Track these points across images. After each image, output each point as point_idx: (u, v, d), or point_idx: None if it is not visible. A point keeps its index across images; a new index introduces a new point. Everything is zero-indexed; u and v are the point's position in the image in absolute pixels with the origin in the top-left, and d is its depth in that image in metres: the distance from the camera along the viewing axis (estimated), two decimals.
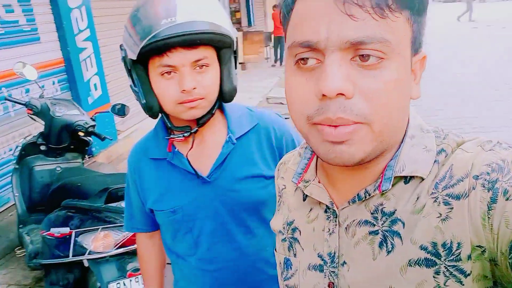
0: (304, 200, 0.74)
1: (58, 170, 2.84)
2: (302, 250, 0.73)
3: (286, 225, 0.78)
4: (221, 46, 1.03)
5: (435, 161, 0.60)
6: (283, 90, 0.66)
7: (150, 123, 1.15)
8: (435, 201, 0.57)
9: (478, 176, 0.54)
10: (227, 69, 1.06)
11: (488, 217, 0.51)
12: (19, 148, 2.79)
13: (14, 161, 2.85)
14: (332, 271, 0.67)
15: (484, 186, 0.53)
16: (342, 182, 0.67)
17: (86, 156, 3.35)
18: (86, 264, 2.19)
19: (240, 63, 11.06)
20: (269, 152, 1.17)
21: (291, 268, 0.75)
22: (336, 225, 0.67)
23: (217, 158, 1.10)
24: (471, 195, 0.53)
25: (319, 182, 0.70)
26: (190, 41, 0.93)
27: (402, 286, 0.58)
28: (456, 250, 0.54)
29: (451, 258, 0.54)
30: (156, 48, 0.93)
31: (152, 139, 1.17)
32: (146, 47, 0.93)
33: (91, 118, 2.81)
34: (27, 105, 2.70)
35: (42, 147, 2.80)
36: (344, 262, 0.66)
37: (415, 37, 0.57)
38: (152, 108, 1.03)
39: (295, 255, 0.75)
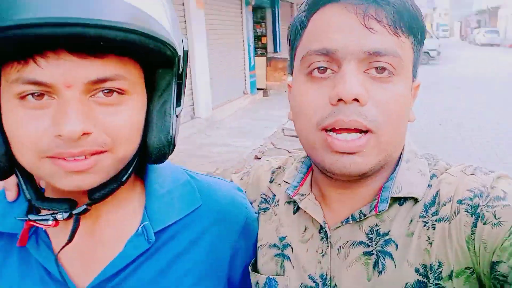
0: (294, 213, 0.75)
1: None
2: (293, 268, 0.72)
3: (278, 240, 0.75)
4: (153, 61, 0.57)
5: (428, 185, 0.63)
6: None
7: None
8: (425, 225, 0.60)
9: (461, 201, 0.58)
10: (162, 105, 0.60)
11: (472, 240, 0.55)
12: None
13: None
14: None
15: (467, 211, 0.57)
16: (336, 202, 0.68)
17: None
18: None
19: (262, 89, 10.68)
20: (215, 258, 0.69)
21: (276, 287, 0.72)
22: (328, 246, 0.67)
23: (110, 263, 0.62)
24: (456, 219, 0.57)
25: (315, 199, 0.71)
26: (89, 41, 0.47)
27: None
28: (438, 269, 0.58)
29: (436, 276, 0.58)
30: (13, 45, 0.47)
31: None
32: None
33: None
34: None
35: None
36: (335, 285, 0.65)
37: (415, 63, 0.63)
38: None
39: (283, 273, 0.73)
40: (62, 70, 0.49)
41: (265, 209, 0.81)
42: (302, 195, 0.72)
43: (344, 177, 0.61)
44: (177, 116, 0.63)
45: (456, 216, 0.57)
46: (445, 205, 0.60)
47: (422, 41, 0.63)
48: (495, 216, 0.54)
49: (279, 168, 0.85)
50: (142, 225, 0.64)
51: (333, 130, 0.59)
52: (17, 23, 0.44)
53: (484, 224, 0.54)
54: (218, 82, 8.50)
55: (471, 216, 0.56)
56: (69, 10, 0.45)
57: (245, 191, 0.89)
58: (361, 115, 0.57)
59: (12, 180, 0.64)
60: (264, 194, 0.83)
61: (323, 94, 0.59)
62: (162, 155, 0.61)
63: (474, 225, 0.55)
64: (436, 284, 0.58)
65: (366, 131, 0.58)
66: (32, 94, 0.50)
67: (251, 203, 0.84)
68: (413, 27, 0.60)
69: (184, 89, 0.65)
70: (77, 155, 0.51)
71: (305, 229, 0.72)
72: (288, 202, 0.76)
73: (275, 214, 0.79)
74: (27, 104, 0.51)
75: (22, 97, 0.50)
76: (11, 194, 0.64)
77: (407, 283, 0.59)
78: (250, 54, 10.41)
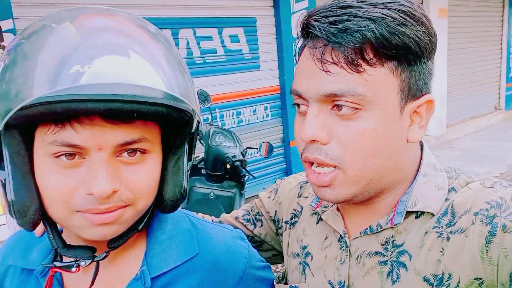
0: (317, 223, 0.78)
1: (211, 196, 2.91)
2: (312, 275, 0.75)
3: (301, 249, 0.79)
4: (171, 123, 0.62)
5: (446, 199, 0.63)
6: None
7: None
8: (440, 236, 0.61)
9: (477, 213, 0.58)
10: (176, 162, 0.65)
11: (487, 250, 0.54)
12: None
13: None
14: None
15: (482, 221, 0.56)
16: (355, 215, 0.71)
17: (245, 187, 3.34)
18: None
19: None
20: None
21: None
22: (347, 255, 0.70)
23: None
24: (470, 230, 0.57)
25: (337, 210, 0.74)
26: (121, 112, 0.52)
27: None
28: (447, 281, 0.58)
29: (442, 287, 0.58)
30: (52, 114, 0.51)
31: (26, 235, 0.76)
32: (30, 110, 0.50)
33: (241, 153, 2.75)
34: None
35: (203, 171, 2.93)
36: None
37: (407, 85, 0.60)
38: (27, 213, 0.57)
39: (305, 279, 0.76)
40: (95, 135, 0.53)
41: (294, 223, 0.85)
42: (325, 207, 0.76)
43: (334, 203, 0.68)
44: (188, 170, 0.68)
45: (471, 227, 0.57)
46: (461, 217, 0.60)
47: (413, 59, 0.59)
48: None
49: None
50: (140, 269, 0.67)
51: None
52: (65, 99, 0.49)
53: (505, 232, 0.53)
54: (458, 96, 7.58)
55: (486, 226, 0.56)
56: (101, 88, 0.50)
57: (275, 211, 0.93)
58: (322, 154, 0.61)
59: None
60: (294, 209, 0.87)
61: (300, 130, 0.64)
62: (175, 207, 0.67)
63: (492, 235, 0.55)
64: None
65: (334, 166, 0.62)
66: (65, 154, 0.54)
67: (280, 221, 0.90)
68: (386, 54, 0.57)
69: (193, 148, 0.69)
70: (105, 212, 0.57)
71: (326, 238, 0.75)
72: (313, 214, 0.81)
73: (300, 224, 0.83)
74: (60, 163, 0.55)
75: (57, 156, 0.54)
76: (39, 231, 0.71)
77: None
78: (510, 63, 8.76)
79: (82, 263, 0.61)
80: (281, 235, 0.91)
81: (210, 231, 0.76)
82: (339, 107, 0.59)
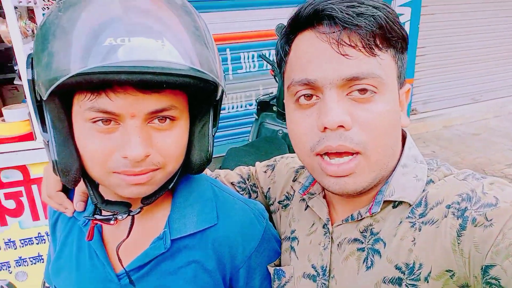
0: (305, 210, 0.81)
1: (280, 133, 2.93)
2: (297, 258, 0.78)
3: (290, 233, 0.82)
4: (197, 92, 0.65)
5: (423, 190, 0.64)
6: None
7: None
8: (412, 226, 0.62)
9: (450, 205, 0.59)
10: (202, 128, 0.70)
11: (458, 243, 0.55)
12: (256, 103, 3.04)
13: (255, 113, 3.13)
14: (323, 283, 0.71)
15: (454, 214, 0.57)
16: (340, 205, 0.73)
17: None
18: None
19: None
20: (221, 275, 0.76)
21: (284, 276, 0.78)
22: (329, 241, 0.72)
23: (136, 258, 0.73)
24: (443, 223, 0.58)
25: (323, 197, 0.77)
26: (152, 83, 0.55)
27: None
28: (417, 270, 0.59)
29: (412, 277, 0.59)
30: (94, 84, 0.54)
31: None
32: (69, 80, 0.53)
33: None
34: (272, 65, 2.84)
35: (274, 108, 2.93)
36: (333, 276, 0.70)
37: (400, 72, 0.63)
38: (69, 172, 0.62)
39: (290, 262, 0.79)
40: (128, 103, 0.57)
41: (286, 206, 0.88)
42: (312, 194, 0.79)
43: (344, 195, 0.65)
44: (213, 135, 0.72)
45: (443, 220, 0.59)
46: (432, 209, 0.61)
47: (404, 48, 0.64)
48: (486, 218, 0.54)
49: (303, 168, 0.89)
50: (163, 231, 0.73)
51: (326, 153, 0.63)
52: (101, 70, 0.52)
53: (476, 226, 0.54)
54: None
55: (458, 219, 0.57)
56: (140, 58, 0.53)
57: (269, 188, 0.94)
58: (347, 140, 0.59)
59: (79, 190, 0.79)
60: (287, 192, 0.89)
61: (312, 121, 0.62)
62: (202, 169, 0.72)
63: (463, 228, 0.56)
64: (411, 284, 0.60)
65: (355, 153, 0.61)
66: (102, 119, 0.58)
67: (272, 199, 0.93)
68: (391, 40, 0.60)
69: (218, 114, 0.73)
70: (139, 174, 0.61)
71: (312, 224, 0.78)
72: (302, 200, 0.83)
73: (291, 208, 0.85)
74: (97, 128, 0.59)
75: (94, 121, 0.58)
76: (81, 205, 0.79)
77: (384, 277, 0.62)
78: None
79: (119, 217, 0.67)
80: (274, 213, 0.92)
81: (230, 206, 0.79)
82: (360, 91, 0.59)
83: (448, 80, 5.53)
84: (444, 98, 5.57)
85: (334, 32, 0.59)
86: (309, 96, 0.62)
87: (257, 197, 0.99)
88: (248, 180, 1.00)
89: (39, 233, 1.83)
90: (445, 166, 0.68)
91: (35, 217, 1.80)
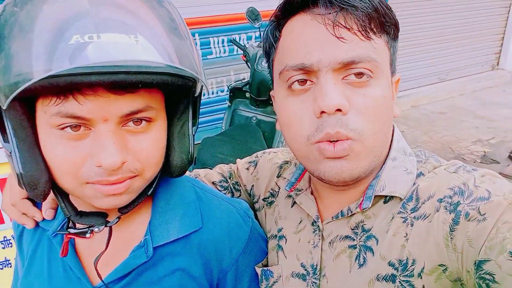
0: (291, 206, 0.78)
1: (254, 120, 2.89)
2: (285, 257, 0.76)
3: (277, 231, 0.80)
4: (175, 90, 0.60)
5: (414, 184, 0.63)
6: None
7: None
8: (404, 221, 0.61)
9: (442, 199, 0.58)
10: (181, 127, 0.65)
11: (451, 238, 0.55)
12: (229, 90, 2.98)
13: (227, 100, 3.07)
14: (314, 282, 0.69)
15: (446, 209, 0.57)
16: (330, 200, 0.71)
17: None
18: None
19: None
20: (209, 279, 0.72)
21: (272, 276, 0.76)
22: (319, 239, 0.70)
23: (115, 269, 0.68)
24: (435, 218, 0.57)
25: (311, 194, 0.75)
26: (126, 83, 0.50)
27: None
28: (411, 266, 0.58)
29: (405, 273, 0.59)
30: (60, 87, 0.49)
31: None
32: (33, 86, 0.47)
33: None
34: (244, 50, 2.76)
35: (247, 94, 2.87)
36: (324, 275, 0.69)
37: (392, 59, 0.62)
38: (37, 185, 0.56)
39: (277, 262, 0.77)
40: (99, 106, 0.51)
41: (271, 203, 0.85)
42: (299, 191, 0.77)
43: (339, 183, 0.63)
44: (193, 134, 0.67)
45: (435, 214, 0.58)
46: (424, 203, 0.60)
47: (396, 36, 0.63)
48: (479, 212, 0.53)
49: (287, 163, 0.87)
50: (144, 238, 0.68)
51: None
52: (70, 72, 0.46)
53: (469, 221, 0.54)
54: None
55: (450, 213, 0.56)
56: (112, 57, 0.47)
57: (252, 185, 0.92)
58: (342, 126, 0.58)
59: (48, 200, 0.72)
60: (272, 189, 0.87)
61: (306, 107, 0.60)
62: (183, 171, 0.67)
63: (456, 222, 0.55)
64: (404, 281, 0.59)
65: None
66: (70, 125, 0.53)
67: (256, 197, 0.90)
68: (384, 26, 0.60)
69: (197, 111, 0.68)
70: (115, 183, 0.56)
71: (300, 222, 0.76)
72: (288, 196, 0.80)
73: (277, 206, 0.83)
74: (65, 135, 0.53)
75: (62, 128, 0.53)
76: (50, 213, 0.72)
77: (378, 275, 0.62)
78: None
79: (95, 229, 0.62)
80: (258, 211, 0.90)
81: (215, 208, 0.75)
82: (357, 75, 0.58)
83: (416, 60, 5.62)
84: (412, 78, 5.66)
85: (330, 13, 0.57)
86: (303, 81, 0.60)
87: (240, 195, 0.95)
88: (230, 178, 0.96)
89: (4, 236, 1.72)
90: (433, 157, 0.67)
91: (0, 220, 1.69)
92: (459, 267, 0.55)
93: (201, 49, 3.85)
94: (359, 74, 0.58)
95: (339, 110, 0.57)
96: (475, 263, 0.52)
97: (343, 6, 0.56)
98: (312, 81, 0.60)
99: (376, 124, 0.59)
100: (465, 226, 0.54)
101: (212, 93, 4.03)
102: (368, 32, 0.57)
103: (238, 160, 1.00)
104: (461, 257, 0.54)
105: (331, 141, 0.59)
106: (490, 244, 0.51)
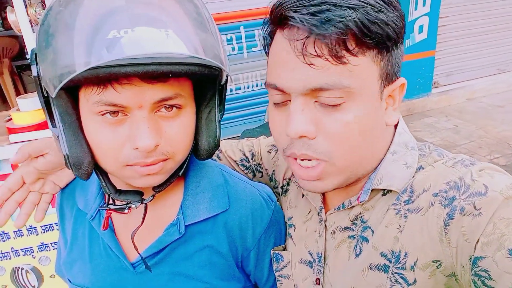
0: (302, 197, 0.82)
1: None
2: (294, 245, 0.80)
3: (287, 220, 0.84)
4: (202, 79, 0.64)
5: (413, 177, 0.63)
6: None
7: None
8: (398, 213, 0.61)
9: (437, 194, 0.57)
10: (209, 114, 0.70)
11: (446, 232, 0.54)
12: None
13: None
14: (319, 269, 0.73)
15: (441, 203, 0.56)
16: (333, 193, 0.72)
17: None
18: None
19: None
20: (234, 258, 0.78)
21: (282, 260, 0.80)
22: (324, 229, 0.74)
23: (150, 245, 0.74)
24: (429, 211, 0.57)
25: None
26: (157, 73, 0.55)
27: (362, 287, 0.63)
28: (403, 259, 0.59)
29: (398, 266, 0.59)
30: (95, 78, 0.53)
31: (78, 180, 0.84)
32: (76, 77, 0.52)
33: None
34: None
35: None
36: (327, 263, 0.72)
37: (385, 72, 0.59)
38: (81, 166, 0.63)
39: (287, 248, 0.82)
40: (134, 94, 0.57)
41: (286, 191, 0.89)
42: None
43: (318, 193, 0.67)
44: (220, 120, 0.71)
45: (429, 208, 0.58)
46: (419, 196, 0.60)
47: (392, 45, 0.58)
48: (475, 207, 0.53)
49: None
50: (176, 217, 0.74)
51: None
52: (108, 64, 0.51)
53: (464, 215, 0.53)
54: None
55: (445, 208, 0.56)
56: (145, 50, 0.52)
57: (273, 170, 0.94)
58: (310, 149, 0.59)
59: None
60: (288, 178, 0.89)
61: (283, 124, 0.62)
62: (210, 155, 0.72)
63: (450, 217, 0.55)
64: (397, 273, 0.60)
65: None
66: (109, 112, 0.59)
67: (277, 183, 0.93)
68: (368, 43, 0.55)
69: (223, 99, 0.72)
70: (150, 164, 0.62)
71: (309, 212, 0.79)
72: (299, 186, 0.83)
73: (289, 194, 0.87)
74: (106, 120, 0.59)
75: (102, 114, 0.59)
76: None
77: (371, 264, 0.63)
78: None
79: (133, 206, 0.69)
80: (278, 196, 0.92)
81: (240, 191, 0.80)
82: (326, 98, 0.57)
83: (472, 50, 5.30)
84: (468, 69, 5.36)
85: (298, 40, 0.56)
86: (281, 102, 0.63)
87: (262, 176, 0.98)
88: (252, 159, 0.98)
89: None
90: (437, 151, 0.66)
91: (54, 204, 1.82)
92: (453, 262, 0.54)
93: (246, 41, 3.89)
94: (325, 101, 0.58)
95: (304, 136, 0.58)
96: (471, 258, 0.51)
97: (310, 34, 0.54)
98: (289, 100, 0.61)
99: (346, 147, 0.59)
100: (460, 220, 0.53)
101: (256, 86, 4.06)
102: (341, 57, 0.54)
103: (262, 139, 1.01)
104: (456, 252, 0.54)
105: (296, 158, 0.62)
106: (487, 240, 0.50)
